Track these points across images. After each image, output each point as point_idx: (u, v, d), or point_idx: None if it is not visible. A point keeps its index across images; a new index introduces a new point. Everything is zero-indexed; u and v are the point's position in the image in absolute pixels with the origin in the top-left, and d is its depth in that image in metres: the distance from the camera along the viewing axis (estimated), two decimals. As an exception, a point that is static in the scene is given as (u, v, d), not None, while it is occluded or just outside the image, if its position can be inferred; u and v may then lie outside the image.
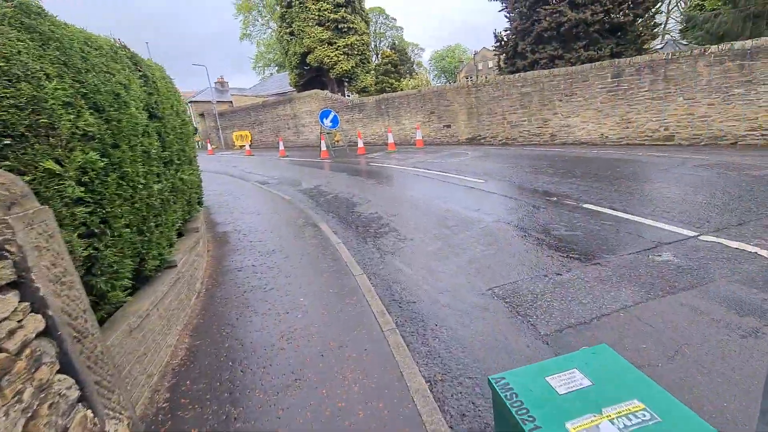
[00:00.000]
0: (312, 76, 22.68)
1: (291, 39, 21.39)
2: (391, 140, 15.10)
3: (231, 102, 33.74)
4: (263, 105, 25.88)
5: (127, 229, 2.56)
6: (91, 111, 2.37)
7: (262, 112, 25.95)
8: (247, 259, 4.88)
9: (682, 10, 25.78)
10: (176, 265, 3.48)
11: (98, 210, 2.27)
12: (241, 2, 54.86)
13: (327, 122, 15.33)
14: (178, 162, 4.50)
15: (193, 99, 33.87)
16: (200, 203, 5.99)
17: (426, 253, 4.61)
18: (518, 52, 16.07)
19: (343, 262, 4.50)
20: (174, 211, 3.88)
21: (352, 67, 20.86)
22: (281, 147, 17.98)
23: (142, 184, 2.89)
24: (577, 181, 7.03)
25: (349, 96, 22.08)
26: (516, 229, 5.03)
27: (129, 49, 3.75)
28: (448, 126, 16.27)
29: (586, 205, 5.56)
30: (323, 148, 15.04)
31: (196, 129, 32.84)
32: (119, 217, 2.48)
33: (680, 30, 21.27)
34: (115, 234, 2.41)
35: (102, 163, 2.30)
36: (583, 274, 3.61)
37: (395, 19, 64.14)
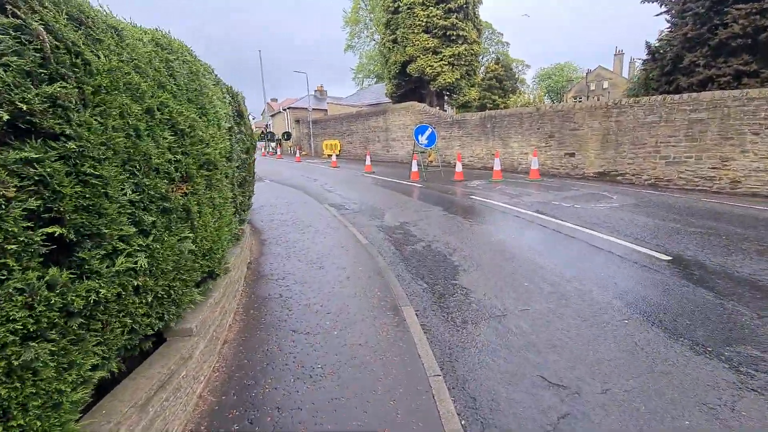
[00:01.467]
0: (410, 88, 20.92)
1: (393, 47, 19.90)
2: (497, 167, 12.40)
3: (327, 110, 33.82)
4: (356, 115, 24.90)
5: None
6: None
7: (354, 123, 24.98)
8: (286, 377, 2.79)
9: None
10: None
11: None
12: (349, 15, 56.49)
13: (422, 139, 13.21)
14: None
15: (292, 106, 34.71)
16: (242, 221, 4.18)
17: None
18: (681, 67, 12.24)
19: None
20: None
21: (456, 79, 18.59)
22: (368, 161, 16.34)
23: None
24: None
25: (447, 111, 19.81)
26: None
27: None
28: (571, 155, 13.01)
29: None
30: (414, 168, 12.92)
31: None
32: None
33: None
34: None
35: None
36: None
37: (501, 34, 60.56)
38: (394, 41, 19.84)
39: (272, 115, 42.75)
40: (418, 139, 13.25)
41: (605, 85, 79.19)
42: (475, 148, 16.62)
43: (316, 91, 39.29)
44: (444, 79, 18.43)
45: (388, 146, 21.87)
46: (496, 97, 30.17)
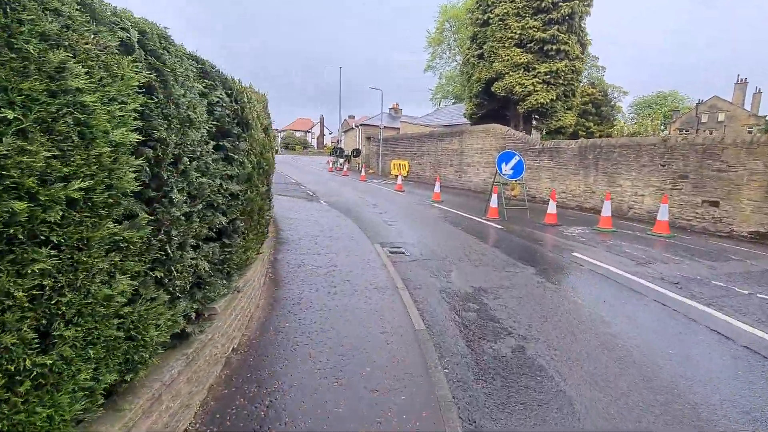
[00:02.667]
0: (492, 109, 18.53)
1: (478, 63, 17.76)
2: (606, 212, 9.50)
3: (399, 129, 32.52)
4: (429, 135, 23.02)
5: None
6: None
7: (426, 143, 23.09)
8: None
9: None
10: None
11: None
12: (433, 35, 55.77)
13: (506, 169, 10.78)
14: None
15: (364, 123, 34.00)
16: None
17: None
18: None
19: None
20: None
21: (551, 100, 15.82)
22: (437, 188, 14.20)
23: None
24: None
25: (533, 137, 16.99)
26: None
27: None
28: (713, 203, 9.64)
29: None
30: (493, 203, 10.49)
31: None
32: None
33: None
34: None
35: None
36: None
37: (597, 58, 55.21)
38: (480, 56, 17.70)
39: (345, 131, 42.71)
40: (500, 168, 10.85)
41: (720, 117, 68.91)
42: (570, 183, 13.64)
43: (391, 109, 38.38)
44: (536, 100, 15.78)
45: (462, 171, 19.54)
46: (591, 124, 26.35)
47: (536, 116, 17.80)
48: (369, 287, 5.06)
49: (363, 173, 22.80)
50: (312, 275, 5.40)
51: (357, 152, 32.99)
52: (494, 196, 10.52)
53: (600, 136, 25.41)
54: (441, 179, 20.97)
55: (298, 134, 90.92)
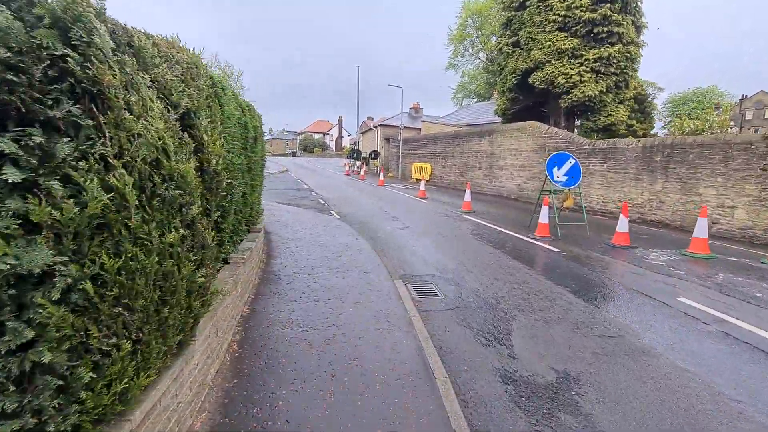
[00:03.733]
0: (528, 104, 16.32)
1: (512, 52, 15.59)
2: (701, 231, 7.22)
3: (420, 129, 30.49)
4: (454, 135, 20.92)
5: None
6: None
7: (451, 144, 21.00)
8: None
9: None
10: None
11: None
12: (455, 32, 53.53)
13: (559, 174, 8.67)
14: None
15: (383, 123, 32.13)
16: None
17: None
18: None
19: None
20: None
21: (600, 92, 13.53)
22: (467, 197, 12.13)
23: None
24: None
25: (576, 135, 14.69)
26: None
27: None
28: None
29: None
30: (543, 219, 8.36)
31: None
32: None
33: None
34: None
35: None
36: None
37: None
38: (515, 44, 15.51)
39: (362, 133, 40.99)
40: (552, 174, 8.73)
41: (768, 114, 64.06)
42: (630, 190, 11.34)
43: (411, 108, 36.39)
44: (582, 92, 13.51)
45: (492, 175, 17.36)
46: (635, 122, 23.60)
47: (580, 111, 15.48)
48: (388, 375, 3.12)
49: (381, 177, 20.91)
50: (300, 349, 3.48)
51: (375, 154, 31.13)
52: (544, 209, 8.39)
53: (644, 135, 22.72)
54: (471, 185, 18.83)
55: (316, 136, 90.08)
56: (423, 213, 11.60)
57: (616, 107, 14.31)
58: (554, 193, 9.37)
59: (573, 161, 8.70)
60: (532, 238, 8.28)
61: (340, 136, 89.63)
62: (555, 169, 8.70)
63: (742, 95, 69.66)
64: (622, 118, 14.58)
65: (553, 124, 15.15)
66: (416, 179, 24.12)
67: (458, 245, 7.70)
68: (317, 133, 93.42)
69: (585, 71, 13.40)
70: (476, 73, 53.79)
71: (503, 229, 9.20)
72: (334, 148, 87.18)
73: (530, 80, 14.73)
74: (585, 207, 9.69)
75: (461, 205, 12.69)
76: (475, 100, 52.40)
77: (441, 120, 32.14)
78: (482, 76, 52.11)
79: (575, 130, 16.35)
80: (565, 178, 8.66)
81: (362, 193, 16.24)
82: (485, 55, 53.04)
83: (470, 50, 54.87)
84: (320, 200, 13.63)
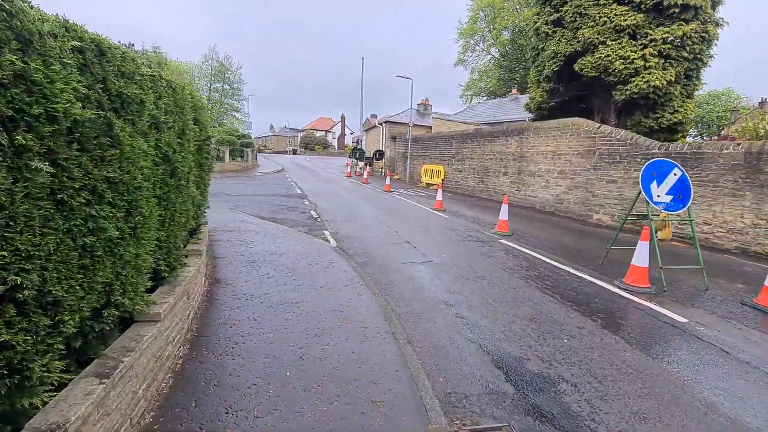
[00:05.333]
0: (570, 96, 13.47)
1: (554, 32, 12.74)
2: None
3: (430, 127, 27.62)
4: (473, 134, 18.08)
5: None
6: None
7: (469, 144, 18.17)
8: None
9: None
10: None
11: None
12: (465, 26, 50.63)
13: (660, 193, 5.84)
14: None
15: (389, 119, 29.25)
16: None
17: None
18: None
19: None
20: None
21: (668, 81, 10.69)
22: (503, 214, 9.28)
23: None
24: None
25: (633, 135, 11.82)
26: None
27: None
28: None
29: None
30: (639, 261, 5.52)
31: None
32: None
33: None
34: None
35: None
36: None
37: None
38: (557, 23, 12.65)
39: (366, 130, 38.14)
40: (648, 191, 5.90)
41: (792, 118, 60.88)
42: (722, 209, 8.52)
43: (419, 104, 33.51)
44: (645, 82, 10.66)
45: (522, 183, 14.54)
46: (650, 121, 20.61)
47: (633, 108, 12.60)
48: None
49: (388, 182, 18.09)
50: None
51: (380, 154, 28.29)
52: (642, 246, 5.55)
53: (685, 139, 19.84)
54: (491, 191, 15.91)
55: (318, 134, 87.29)
56: (445, 235, 8.79)
57: (684, 102, 11.47)
58: (637, 218, 6.54)
59: (679, 173, 5.87)
60: (622, 288, 5.47)
61: (343, 134, 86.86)
62: (653, 185, 5.86)
63: (762, 98, 66.54)
64: (690, 116, 11.73)
65: (600, 121, 12.31)
66: (426, 183, 21.31)
67: (518, 305, 4.89)
68: (319, 130, 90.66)
69: (651, 54, 10.54)
70: (488, 69, 50.85)
71: (570, 269, 6.38)
72: (336, 147, 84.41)
73: (576, 67, 11.88)
74: (677, 235, 6.87)
75: (490, 221, 9.93)
76: (485, 98, 49.49)
77: (453, 117, 29.26)
78: (494, 73, 49.13)
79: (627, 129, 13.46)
80: (669, 198, 5.82)
81: (366, 203, 13.43)
82: (497, 51, 50.16)
83: (481, 45, 51.90)
84: (313, 213, 10.83)
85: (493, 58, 50.51)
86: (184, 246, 4.32)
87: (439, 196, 12.58)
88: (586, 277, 6.00)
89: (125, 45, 67.20)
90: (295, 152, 76.80)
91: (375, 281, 5.39)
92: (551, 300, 5.00)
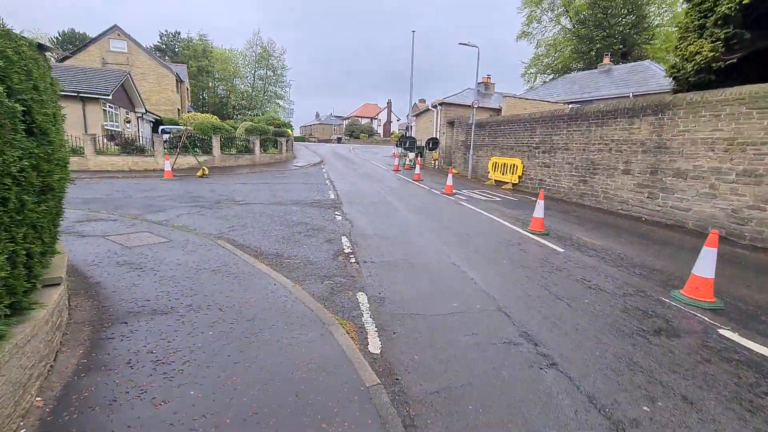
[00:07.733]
0: (757, 49, 8.34)
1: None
2: None
3: (497, 110, 22.65)
4: (569, 116, 13.20)
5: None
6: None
7: (562, 129, 13.34)
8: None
9: None
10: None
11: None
12: (531, -7, 43.78)
13: None
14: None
15: (445, 101, 24.58)
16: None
17: None
18: None
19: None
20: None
21: None
22: (707, 262, 4.75)
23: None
24: None
25: None
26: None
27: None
28: None
29: None
30: None
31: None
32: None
33: None
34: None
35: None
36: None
37: None
38: None
39: (416, 115, 33.65)
40: None
41: None
42: None
43: (479, 83, 28.45)
44: None
45: (661, 186, 9.68)
46: None
47: None
48: None
49: (449, 181, 13.78)
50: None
51: (434, 143, 23.80)
52: None
53: None
54: (599, 197, 10.52)
55: (363, 121, 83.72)
56: (584, 309, 4.51)
57: None
58: None
59: None
60: None
61: (389, 121, 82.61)
62: None
63: None
64: None
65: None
66: (495, 180, 16.72)
67: None
68: (364, 117, 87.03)
69: None
70: (555, 42, 43.87)
71: None
72: (381, 134, 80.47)
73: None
74: None
75: (643, 262, 5.48)
76: (552, 76, 42.75)
77: (531, 94, 24.01)
78: (567, 44, 42.16)
79: None
80: None
81: (423, 218, 9.28)
82: (569, 20, 43.00)
83: (549, 14, 44.92)
84: (344, 242, 6.89)
85: (563, 29, 43.45)
86: None
87: (538, 213, 8.12)
88: None
89: (172, 33, 67.03)
90: (339, 140, 73.83)
91: None
92: None
